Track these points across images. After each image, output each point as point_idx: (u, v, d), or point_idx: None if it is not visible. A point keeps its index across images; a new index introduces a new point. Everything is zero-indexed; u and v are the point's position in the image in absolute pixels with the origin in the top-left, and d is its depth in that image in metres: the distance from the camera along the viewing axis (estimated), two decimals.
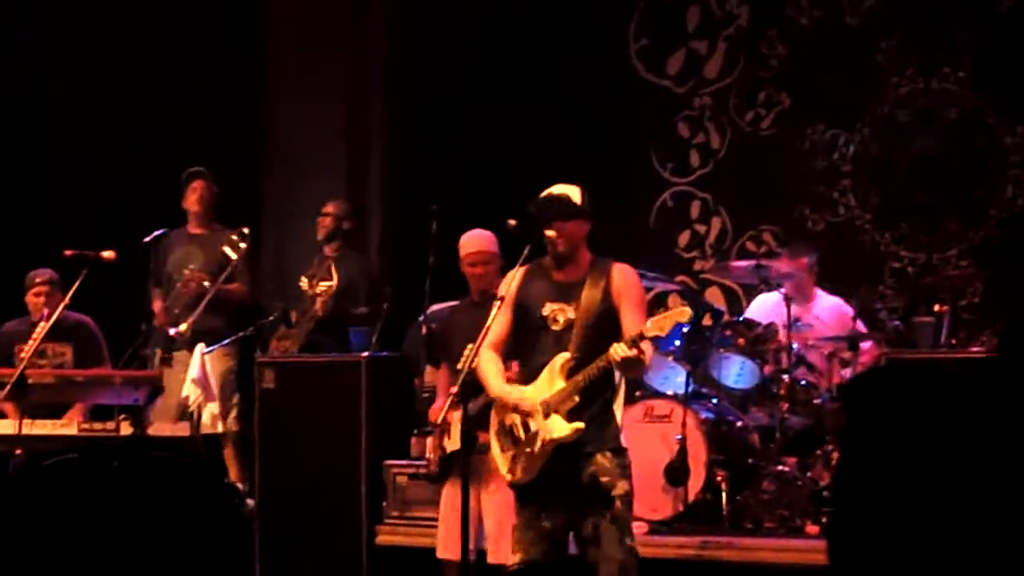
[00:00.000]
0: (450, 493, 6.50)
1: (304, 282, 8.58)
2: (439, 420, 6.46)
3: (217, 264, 8.32)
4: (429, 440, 6.70)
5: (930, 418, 2.99)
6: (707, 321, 7.86)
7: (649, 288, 7.80)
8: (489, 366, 5.64)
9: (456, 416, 6.14)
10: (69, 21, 9.89)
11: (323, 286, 8.38)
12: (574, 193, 5.57)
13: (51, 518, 3.79)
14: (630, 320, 5.45)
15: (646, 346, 5.31)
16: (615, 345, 5.27)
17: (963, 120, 8.90)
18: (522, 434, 5.50)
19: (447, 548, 6.46)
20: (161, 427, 7.37)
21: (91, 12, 9.84)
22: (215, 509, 4.08)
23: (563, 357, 5.45)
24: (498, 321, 5.59)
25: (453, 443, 6.42)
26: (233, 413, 8.42)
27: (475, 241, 6.66)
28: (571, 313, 5.51)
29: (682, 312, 5.22)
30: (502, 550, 6.08)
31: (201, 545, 3.93)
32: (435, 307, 7.77)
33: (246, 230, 8.33)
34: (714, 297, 9.34)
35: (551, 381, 5.45)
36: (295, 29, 10.16)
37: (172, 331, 8.19)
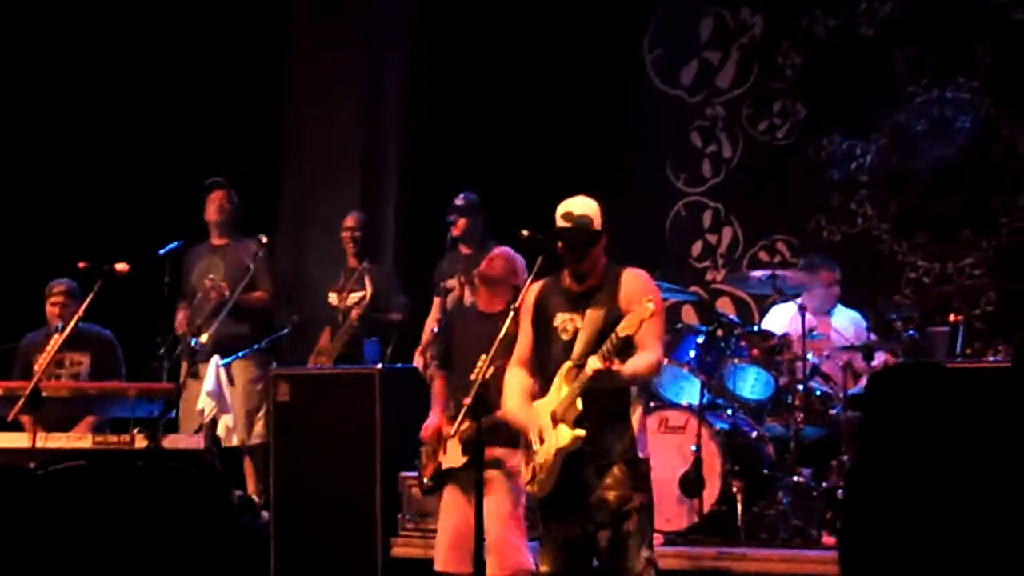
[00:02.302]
0: (447, 506, 6.46)
1: (333, 297, 8.58)
2: (430, 437, 6.45)
3: (239, 274, 8.34)
4: (422, 453, 6.65)
5: (949, 420, 2.97)
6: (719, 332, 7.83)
7: (664, 299, 7.77)
8: (512, 384, 5.63)
9: (451, 431, 6.12)
10: (89, 29, 9.91)
11: (355, 297, 8.39)
12: (594, 214, 5.51)
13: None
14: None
15: (642, 357, 5.29)
16: (590, 358, 5.24)
17: (978, 129, 8.88)
18: (538, 445, 5.50)
19: (447, 561, 6.41)
20: (176, 440, 7.38)
21: (107, 21, 9.86)
22: (190, 520, 4.08)
23: (567, 366, 5.40)
24: (522, 337, 5.58)
25: (449, 459, 6.38)
26: (259, 425, 8.40)
27: (504, 264, 6.50)
28: (579, 323, 5.48)
29: (644, 308, 5.16)
30: (502, 562, 6.07)
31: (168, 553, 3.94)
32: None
33: (264, 238, 8.35)
34: (725, 307, 9.31)
35: (559, 391, 5.42)
36: (311, 36, 10.17)
37: (193, 342, 8.20)
